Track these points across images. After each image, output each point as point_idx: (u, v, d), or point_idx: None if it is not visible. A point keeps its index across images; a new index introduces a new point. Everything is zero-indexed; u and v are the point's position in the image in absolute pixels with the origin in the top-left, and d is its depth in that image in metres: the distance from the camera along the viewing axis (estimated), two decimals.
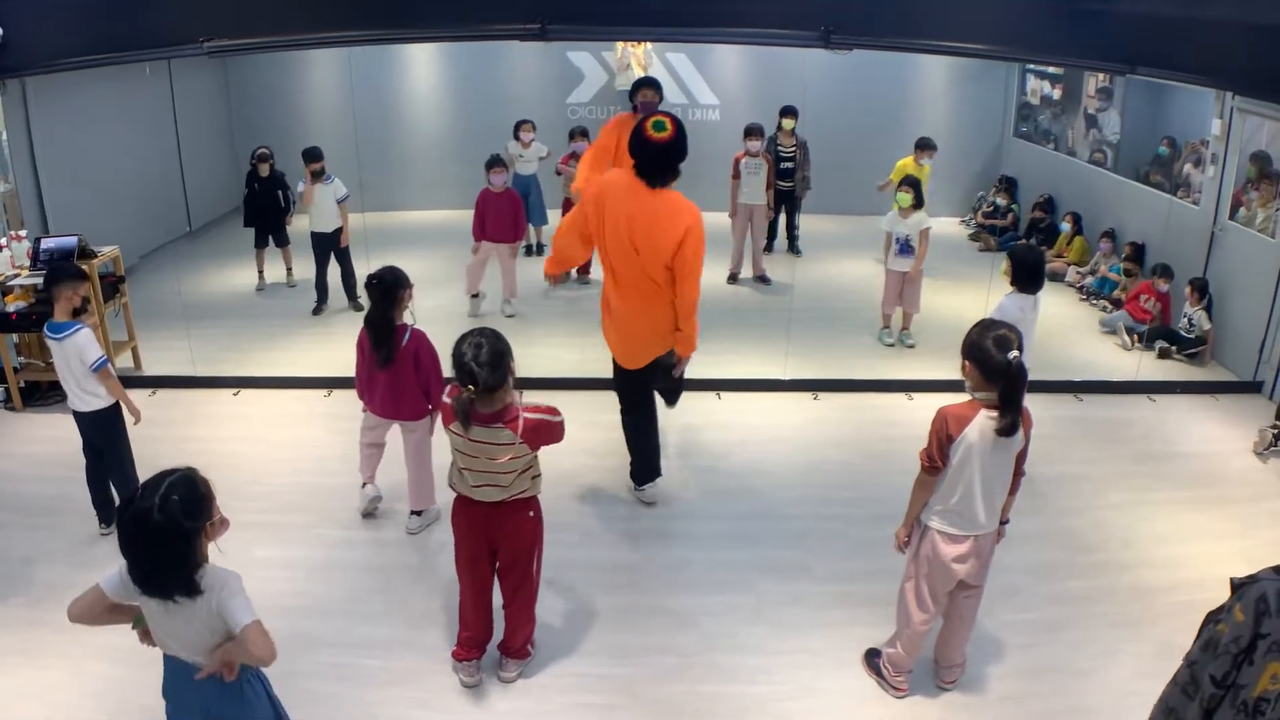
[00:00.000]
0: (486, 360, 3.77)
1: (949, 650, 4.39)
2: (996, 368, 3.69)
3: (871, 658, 4.53)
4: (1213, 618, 2.77)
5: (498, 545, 4.19)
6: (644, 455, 5.83)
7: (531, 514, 4.19)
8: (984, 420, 3.79)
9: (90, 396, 5.29)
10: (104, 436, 5.43)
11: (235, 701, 3.09)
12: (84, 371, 5.22)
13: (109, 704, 4.23)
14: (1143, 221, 9.69)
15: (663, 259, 5.03)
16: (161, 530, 2.73)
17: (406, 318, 5.28)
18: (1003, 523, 4.13)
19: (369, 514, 5.74)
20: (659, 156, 4.82)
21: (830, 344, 8.54)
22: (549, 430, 4.00)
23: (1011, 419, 3.74)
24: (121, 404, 5.41)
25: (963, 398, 3.94)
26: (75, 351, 5.19)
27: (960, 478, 3.88)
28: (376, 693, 4.32)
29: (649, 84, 8.19)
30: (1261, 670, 2.62)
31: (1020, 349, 3.71)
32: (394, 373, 5.24)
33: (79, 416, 5.38)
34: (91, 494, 5.53)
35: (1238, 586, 2.72)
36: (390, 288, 5.14)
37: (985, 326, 3.82)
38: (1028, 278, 5.73)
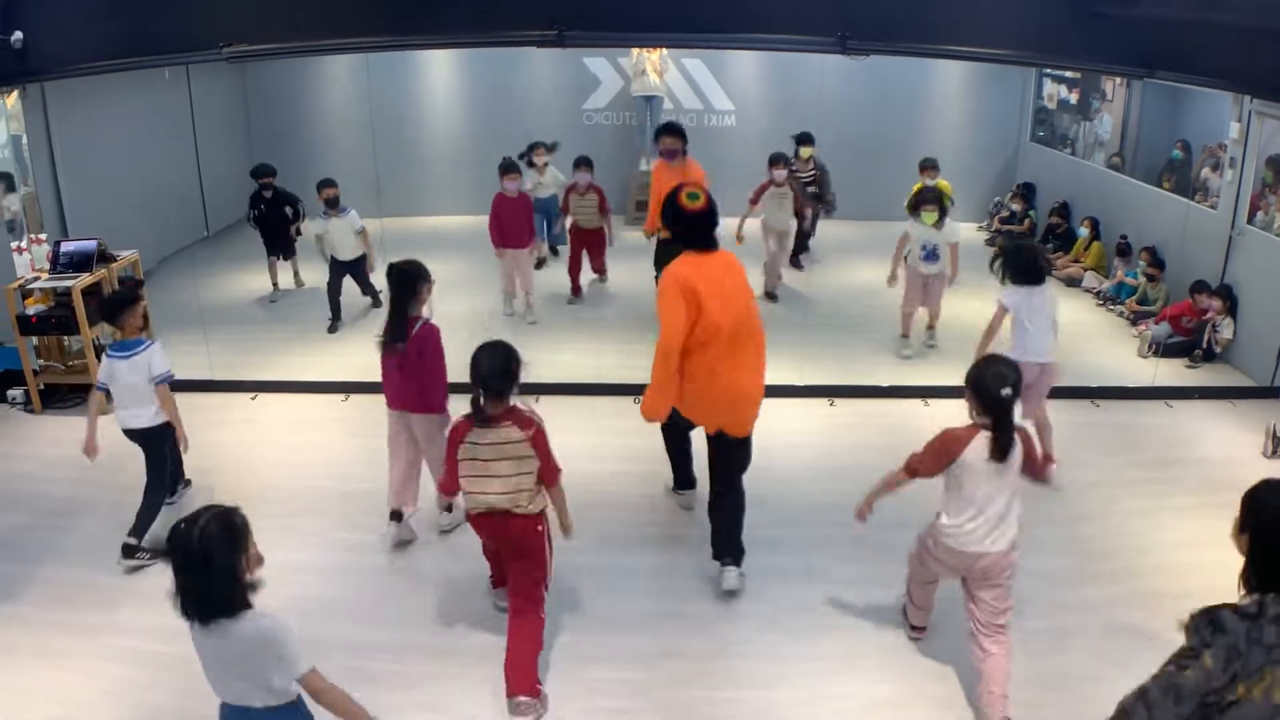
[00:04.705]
0: (496, 376, 4.08)
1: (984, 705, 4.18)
2: (990, 400, 4.00)
3: (902, 599, 4.86)
4: (1176, 662, 2.63)
5: (506, 558, 4.25)
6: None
7: (540, 528, 4.27)
8: (982, 442, 4.05)
9: (143, 411, 5.35)
10: (150, 448, 5.45)
11: None
12: (148, 388, 5.30)
13: (125, 704, 4.28)
14: (1160, 226, 9.63)
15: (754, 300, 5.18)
16: (198, 558, 2.90)
17: (425, 312, 5.25)
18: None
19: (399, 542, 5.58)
20: (700, 222, 4.96)
21: (847, 349, 8.54)
22: (544, 434, 4.18)
23: (1003, 445, 4.01)
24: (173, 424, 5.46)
25: None
26: (145, 364, 5.30)
27: (961, 494, 4.12)
28: (387, 696, 4.31)
29: (669, 131, 8.16)
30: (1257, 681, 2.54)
31: (1016, 387, 3.97)
32: (403, 362, 5.18)
33: (131, 435, 5.43)
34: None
35: (1201, 628, 2.60)
36: (410, 279, 5.13)
37: (988, 361, 4.19)
38: (1024, 271, 5.97)
